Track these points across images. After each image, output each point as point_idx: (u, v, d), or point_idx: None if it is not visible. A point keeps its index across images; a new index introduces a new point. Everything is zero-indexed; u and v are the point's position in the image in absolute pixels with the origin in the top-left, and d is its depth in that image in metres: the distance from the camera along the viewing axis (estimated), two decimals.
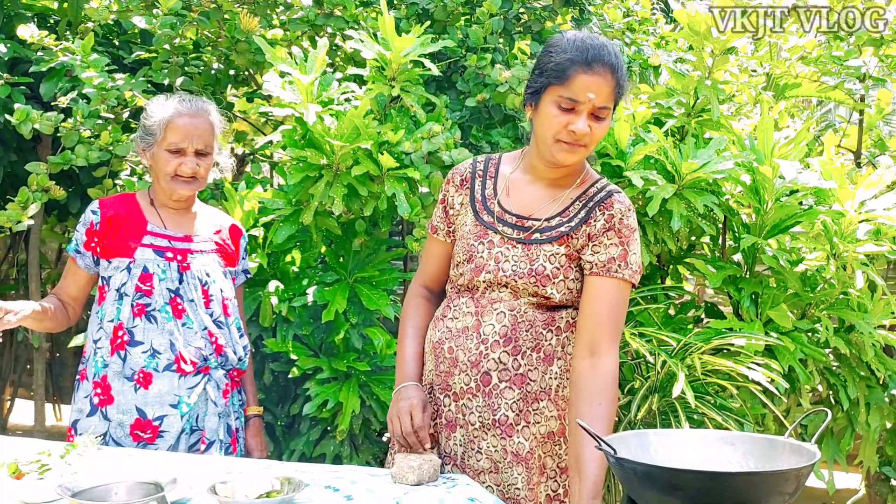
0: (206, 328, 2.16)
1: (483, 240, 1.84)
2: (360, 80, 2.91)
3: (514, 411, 1.79)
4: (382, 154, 2.58)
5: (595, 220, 1.78)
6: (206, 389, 2.16)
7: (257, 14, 3.18)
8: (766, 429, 2.74)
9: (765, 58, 3.48)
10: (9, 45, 3.09)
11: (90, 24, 3.16)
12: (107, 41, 3.43)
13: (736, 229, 2.91)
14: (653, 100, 2.94)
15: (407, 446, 1.79)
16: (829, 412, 1.44)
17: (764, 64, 3.52)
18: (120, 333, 2.10)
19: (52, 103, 2.94)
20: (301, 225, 2.70)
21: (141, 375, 2.09)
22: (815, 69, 3.48)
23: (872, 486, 3.41)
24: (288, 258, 2.94)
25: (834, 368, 2.83)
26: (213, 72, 3.32)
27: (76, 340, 2.85)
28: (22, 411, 4.82)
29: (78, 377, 2.18)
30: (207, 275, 2.20)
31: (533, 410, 1.79)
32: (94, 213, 2.18)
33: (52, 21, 3.45)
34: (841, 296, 2.75)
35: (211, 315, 2.18)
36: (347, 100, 2.77)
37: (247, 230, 2.59)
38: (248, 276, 2.44)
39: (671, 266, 3.08)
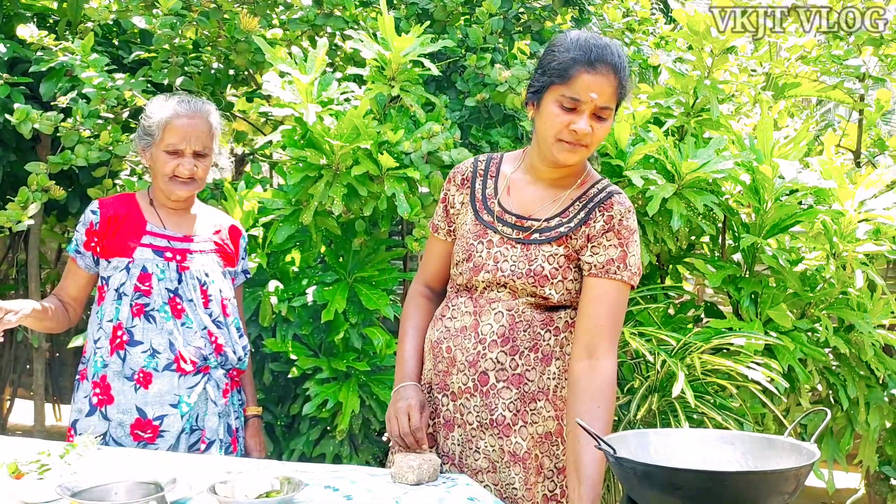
0: (205, 328, 2.16)
1: (482, 239, 1.84)
2: (359, 80, 2.91)
3: (511, 411, 1.78)
4: (382, 154, 2.58)
5: (594, 222, 1.78)
6: (206, 389, 2.16)
7: (257, 14, 3.18)
8: (766, 428, 2.75)
9: (764, 57, 3.48)
10: (8, 45, 3.09)
11: (90, 24, 3.16)
12: (106, 41, 3.43)
13: (735, 229, 2.91)
14: (652, 99, 2.94)
15: (405, 447, 1.79)
16: (829, 412, 1.44)
17: (763, 63, 3.52)
18: (119, 333, 2.10)
19: (52, 103, 2.94)
20: (301, 225, 2.70)
21: (141, 375, 2.09)
22: (815, 69, 3.48)
23: (872, 486, 3.41)
24: (287, 258, 2.94)
25: (833, 368, 2.83)
26: (212, 72, 3.32)
27: (76, 340, 2.85)
28: (22, 411, 4.82)
29: (77, 377, 2.18)
30: (206, 275, 2.20)
31: (530, 410, 1.79)
32: (93, 213, 2.18)
33: (51, 21, 3.44)
34: (840, 295, 2.75)
35: (210, 315, 2.18)
36: (347, 100, 2.77)
37: (246, 230, 2.59)
38: (248, 276, 2.44)
39: (671, 265, 3.08)
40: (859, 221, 2.64)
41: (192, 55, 3.24)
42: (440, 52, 3.07)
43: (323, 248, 2.95)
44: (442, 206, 1.96)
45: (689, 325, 2.85)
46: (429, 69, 2.70)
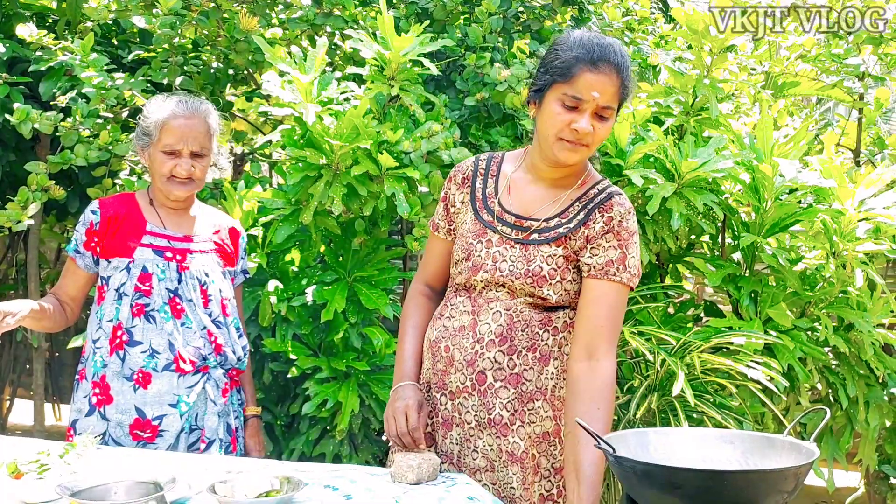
0: (204, 328, 2.16)
1: (482, 239, 1.84)
2: (359, 80, 2.91)
3: (509, 411, 1.78)
4: (382, 153, 2.58)
5: (594, 223, 1.77)
6: (206, 388, 2.16)
7: (256, 13, 3.18)
8: (766, 427, 2.75)
9: (764, 56, 3.48)
10: (8, 45, 3.08)
11: (89, 24, 3.16)
12: (106, 41, 3.42)
13: (735, 228, 2.91)
14: (652, 98, 2.94)
15: (402, 446, 1.79)
16: (829, 411, 1.44)
17: (763, 62, 3.52)
18: (119, 333, 2.10)
19: (52, 103, 2.94)
20: (300, 224, 2.70)
21: (140, 375, 2.09)
22: (815, 67, 3.48)
23: (872, 485, 3.41)
24: (287, 258, 2.94)
25: (833, 367, 2.84)
26: (212, 71, 3.32)
27: (76, 341, 2.85)
28: (21, 411, 4.82)
29: (77, 377, 2.18)
30: (206, 275, 2.20)
31: (528, 410, 1.79)
32: (93, 212, 2.18)
33: (51, 20, 3.44)
34: (840, 294, 2.75)
35: (210, 315, 2.18)
36: (347, 99, 2.77)
37: (246, 230, 2.59)
38: (247, 276, 2.44)
39: (671, 265, 3.08)
40: (859, 220, 2.64)
41: (192, 55, 3.24)
42: (440, 51, 3.07)
43: (322, 248, 2.95)
44: (442, 205, 1.96)
45: (689, 325, 2.85)
46: (428, 68, 2.70)
